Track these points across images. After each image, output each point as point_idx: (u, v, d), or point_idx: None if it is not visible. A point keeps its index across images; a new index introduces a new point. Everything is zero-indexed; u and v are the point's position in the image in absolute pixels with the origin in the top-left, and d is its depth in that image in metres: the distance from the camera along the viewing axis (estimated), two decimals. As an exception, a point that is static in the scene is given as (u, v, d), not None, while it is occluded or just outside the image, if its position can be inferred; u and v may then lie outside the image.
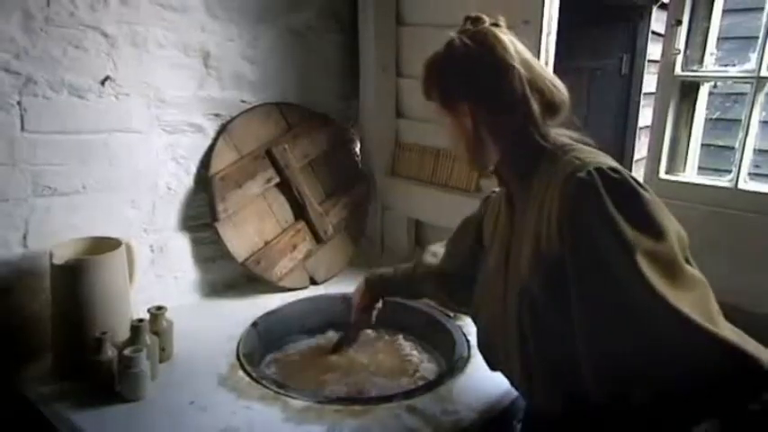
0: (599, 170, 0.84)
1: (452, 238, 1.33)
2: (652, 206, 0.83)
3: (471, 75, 0.95)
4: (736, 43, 1.90)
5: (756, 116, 1.41)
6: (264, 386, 1.30)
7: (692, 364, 0.76)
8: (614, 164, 0.87)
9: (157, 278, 1.65)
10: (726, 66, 1.48)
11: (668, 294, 0.76)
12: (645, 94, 3.49)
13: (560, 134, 0.98)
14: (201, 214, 1.72)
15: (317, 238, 1.91)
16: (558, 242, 0.86)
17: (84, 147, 1.45)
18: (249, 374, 1.35)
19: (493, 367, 1.14)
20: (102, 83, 1.45)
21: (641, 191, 0.84)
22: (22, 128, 1.35)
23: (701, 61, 1.49)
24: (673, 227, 0.84)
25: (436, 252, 1.36)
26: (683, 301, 0.76)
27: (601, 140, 1.00)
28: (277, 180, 1.83)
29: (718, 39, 1.49)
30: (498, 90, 0.94)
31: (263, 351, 1.55)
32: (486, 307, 1.10)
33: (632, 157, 3.42)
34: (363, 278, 1.48)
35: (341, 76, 2.08)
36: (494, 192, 1.22)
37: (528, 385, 1.00)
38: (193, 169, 1.69)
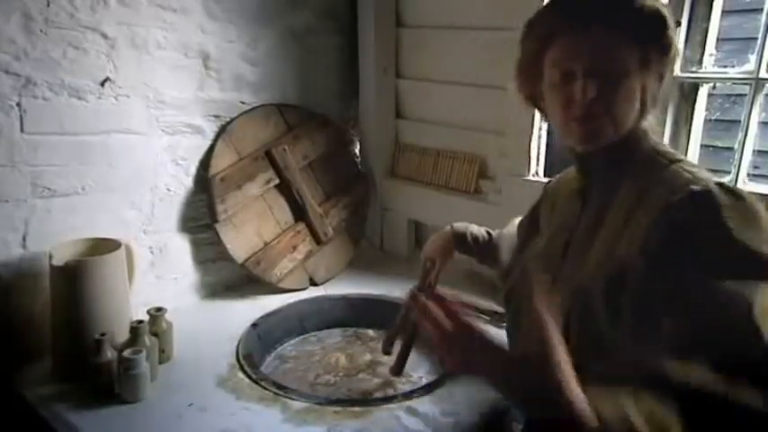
0: (720, 185, 0.79)
1: (522, 219, 1.29)
2: None
3: (670, 37, 0.88)
4: (736, 44, 1.89)
5: (755, 117, 1.41)
6: (264, 387, 1.30)
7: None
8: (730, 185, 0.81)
9: (157, 279, 1.65)
10: (725, 67, 1.48)
11: None
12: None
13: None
14: (201, 215, 1.72)
15: (317, 239, 1.91)
16: (640, 250, 0.81)
17: (84, 148, 1.45)
18: (249, 376, 1.35)
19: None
20: (102, 84, 1.45)
21: (764, 215, 0.77)
22: (22, 129, 1.35)
23: (700, 62, 1.49)
24: None
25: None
26: None
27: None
28: (277, 181, 1.83)
29: (718, 40, 1.49)
30: (671, 59, 0.89)
31: (262, 352, 1.55)
32: (525, 294, 1.04)
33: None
34: (449, 227, 1.41)
35: (341, 78, 2.08)
36: (552, 178, 1.19)
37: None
38: (193, 170, 1.69)
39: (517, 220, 1.32)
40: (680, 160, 0.88)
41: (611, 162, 0.92)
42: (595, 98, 0.85)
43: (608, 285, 0.85)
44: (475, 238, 1.37)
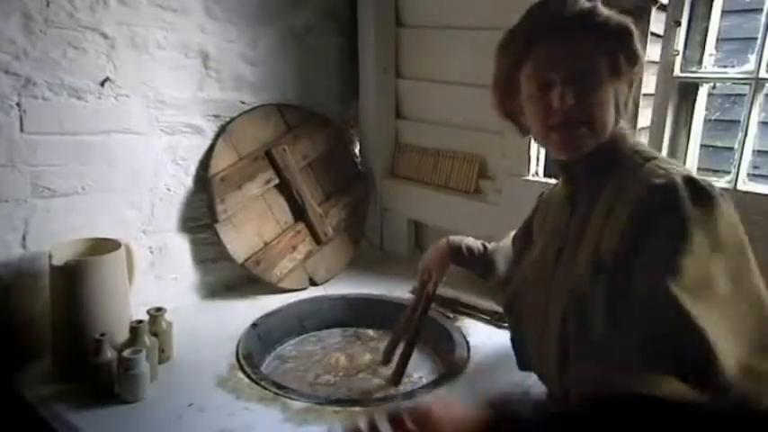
0: (685, 178, 0.82)
1: (516, 232, 1.30)
2: (732, 229, 0.81)
3: (635, 47, 0.92)
4: (736, 44, 1.90)
5: (755, 117, 1.41)
6: (264, 387, 1.30)
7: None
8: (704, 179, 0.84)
9: (157, 279, 1.65)
10: (725, 67, 1.48)
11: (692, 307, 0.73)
12: (644, 94, 3.49)
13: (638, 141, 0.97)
14: (201, 215, 1.72)
15: (317, 239, 1.91)
16: (618, 244, 0.84)
17: (84, 148, 1.45)
18: (248, 375, 1.35)
19: (522, 364, 1.13)
20: (102, 84, 1.45)
21: (725, 209, 0.81)
22: (22, 129, 1.35)
23: (699, 62, 1.49)
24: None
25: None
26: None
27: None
28: (276, 181, 1.83)
29: (718, 40, 1.49)
30: (638, 68, 0.93)
31: (262, 352, 1.55)
32: (524, 301, 1.08)
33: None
34: (445, 239, 1.42)
35: (340, 78, 2.08)
36: (545, 190, 1.21)
37: (559, 389, 0.98)
38: (193, 170, 1.69)
39: (513, 233, 1.34)
40: (655, 158, 0.91)
41: (594, 168, 0.95)
42: (574, 105, 0.88)
43: (596, 287, 0.87)
44: (470, 251, 1.39)
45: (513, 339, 1.15)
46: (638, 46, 0.92)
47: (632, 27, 0.92)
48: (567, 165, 0.99)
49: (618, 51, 0.90)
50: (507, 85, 0.98)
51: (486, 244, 1.40)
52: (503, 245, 1.37)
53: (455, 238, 1.41)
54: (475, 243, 1.40)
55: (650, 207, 0.82)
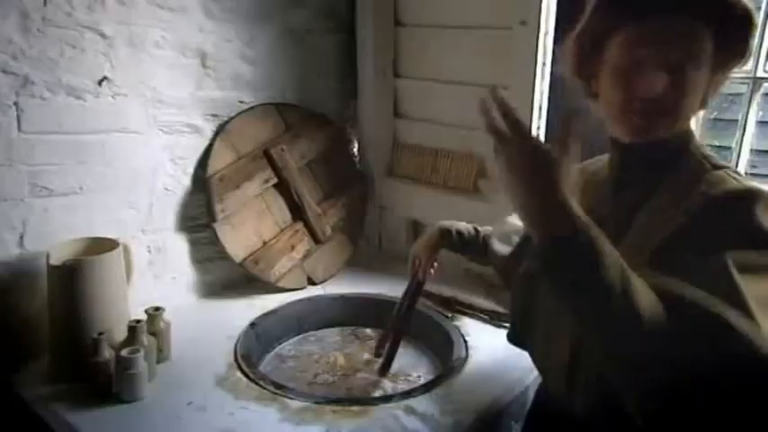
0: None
1: None
2: None
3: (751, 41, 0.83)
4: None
5: (753, 116, 1.41)
6: (262, 386, 1.30)
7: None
8: None
9: (155, 279, 1.65)
10: (723, 66, 1.48)
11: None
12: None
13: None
14: (199, 215, 1.72)
15: (316, 239, 1.91)
16: (670, 242, 0.78)
17: (82, 147, 1.45)
18: (247, 375, 1.35)
19: (517, 342, 1.09)
20: (100, 83, 1.45)
21: None
22: (19, 128, 1.35)
23: (698, 61, 1.49)
24: None
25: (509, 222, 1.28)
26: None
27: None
28: (275, 180, 1.83)
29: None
30: (743, 63, 0.85)
31: (260, 351, 1.55)
32: (538, 288, 1.01)
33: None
34: (435, 225, 1.40)
35: (339, 77, 2.08)
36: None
37: (565, 385, 0.94)
38: (191, 170, 1.69)
39: (511, 217, 1.30)
40: (726, 166, 0.85)
41: (654, 159, 0.88)
42: (667, 93, 0.80)
43: None
44: (460, 233, 1.36)
45: (512, 317, 1.10)
46: (753, 42, 0.82)
47: (755, 17, 0.81)
48: (627, 148, 0.90)
49: (733, 41, 0.80)
50: (590, 45, 0.88)
51: (479, 227, 1.37)
52: (498, 228, 1.33)
53: (445, 223, 1.39)
54: (466, 226, 1.38)
55: (725, 210, 0.76)
